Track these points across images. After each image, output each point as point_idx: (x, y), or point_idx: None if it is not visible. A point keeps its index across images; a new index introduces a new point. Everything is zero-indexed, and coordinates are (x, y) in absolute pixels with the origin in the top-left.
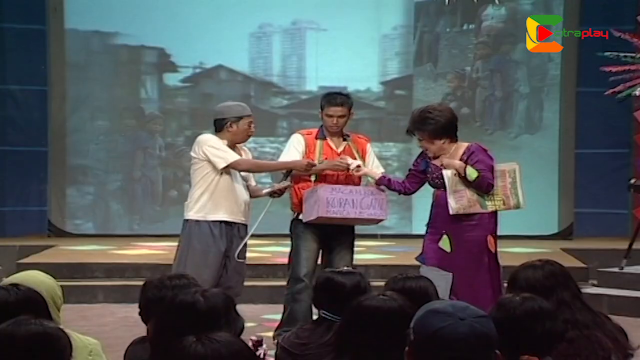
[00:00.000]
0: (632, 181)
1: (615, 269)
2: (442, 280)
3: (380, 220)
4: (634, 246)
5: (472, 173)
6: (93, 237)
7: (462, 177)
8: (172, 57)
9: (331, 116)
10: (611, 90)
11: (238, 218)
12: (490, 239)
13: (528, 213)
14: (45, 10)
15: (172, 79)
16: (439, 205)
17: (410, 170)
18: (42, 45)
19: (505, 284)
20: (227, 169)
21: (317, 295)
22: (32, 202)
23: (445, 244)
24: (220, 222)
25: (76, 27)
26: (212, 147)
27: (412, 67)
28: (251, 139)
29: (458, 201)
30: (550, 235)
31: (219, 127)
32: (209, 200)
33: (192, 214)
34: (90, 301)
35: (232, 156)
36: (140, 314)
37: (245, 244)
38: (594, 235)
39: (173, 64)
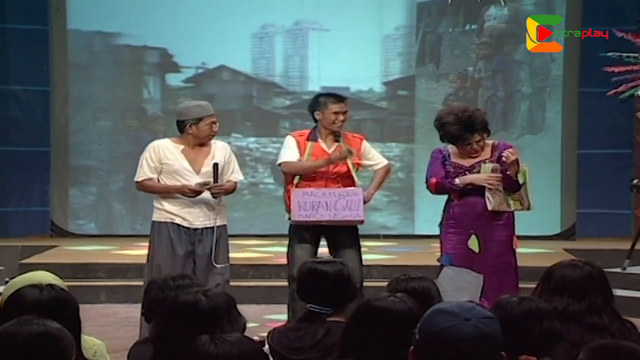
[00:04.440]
0: (635, 182)
1: (618, 270)
2: (472, 282)
3: (360, 222)
4: (637, 247)
5: (521, 175)
6: (95, 237)
7: (508, 177)
8: (174, 58)
9: (337, 113)
10: (614, 91)
11: (194, 223)
12: (515, 239)
13: (530, 213)
14: (48, 11)
15: (174, 80)
16: (466, 204)
17: (437, 178)
18: (45, 46)
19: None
20: (174, 173)
21: (302, 287)
22: (34, 202)
23: (474, 244)
24: (178, 225)
25: (79, 27)
26: (142, 157)
27: (414, 67)
28: (253, 139)
29: (494, 197)
30: (553, 235)
31: (180, 128)
32: (165, 204)
33: (154, 216)
34: (93, 301)
35: (140, 175)
36: (143, 314)
37: (224, 247)
38: (597, 235)
39: (175, 64)
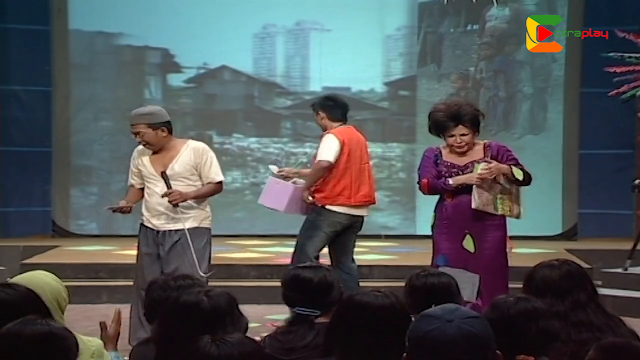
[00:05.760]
0: (636, 182)
1: (619, 270)
2: (468, 283)
3: (266, 206)
4: (638, 247)
5: (517, 173)
6: (97, 237)
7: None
8: (175, 58)
9: None
10: (615, 91)
11: (157, 225)
12: (508, 240)
13: (532, 214)
14: (50, 11)
15: (175, 80)
16: (459, 203)
17: (428, 178)
18: (46, 46)
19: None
20: (145, 179)
21: (287, 292)
22: (36, 202)
23: (469, 244)
24: (146, 226)
25: (80, 27)
26: None
27: (415, 67)
28: (255, 139)
29: (480, 197)
30: (554, 235)
31: None
32: (143, 208)
33: None
34: (94, 301)
35: (130, 179)
36: (145, 314)
37: (198, 253)
38: (598, 235)
39: (177, 64)
